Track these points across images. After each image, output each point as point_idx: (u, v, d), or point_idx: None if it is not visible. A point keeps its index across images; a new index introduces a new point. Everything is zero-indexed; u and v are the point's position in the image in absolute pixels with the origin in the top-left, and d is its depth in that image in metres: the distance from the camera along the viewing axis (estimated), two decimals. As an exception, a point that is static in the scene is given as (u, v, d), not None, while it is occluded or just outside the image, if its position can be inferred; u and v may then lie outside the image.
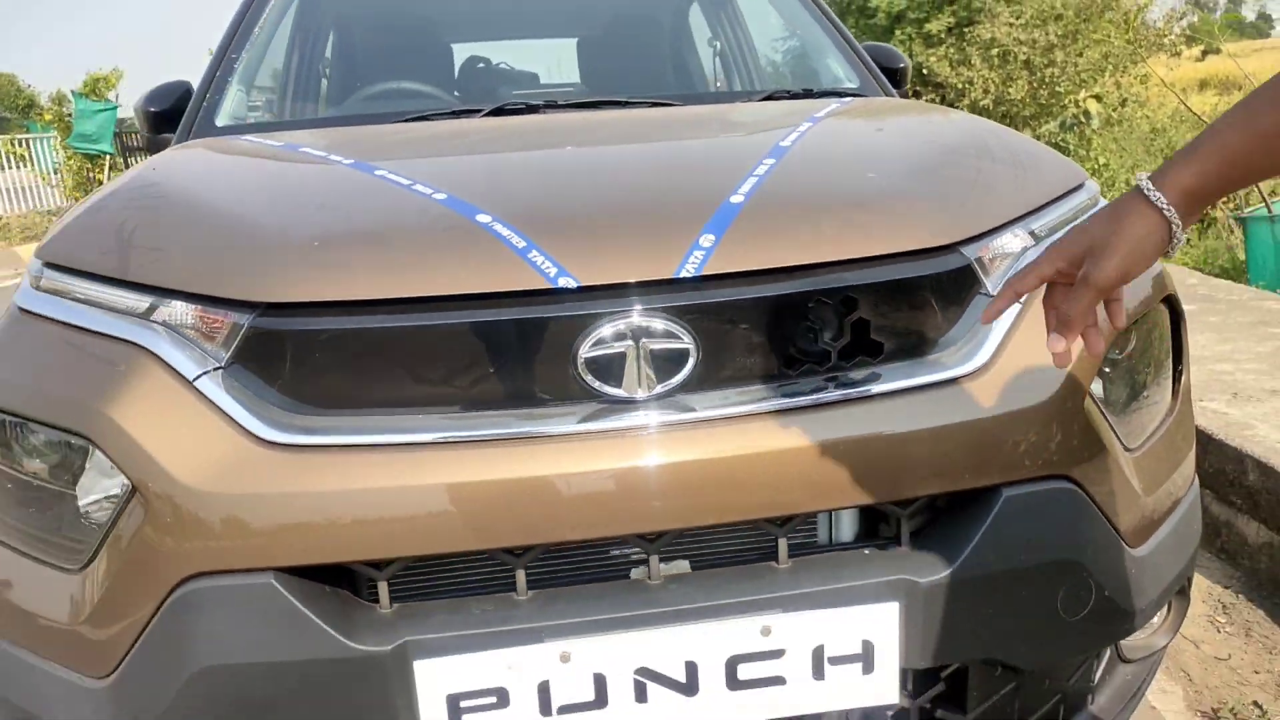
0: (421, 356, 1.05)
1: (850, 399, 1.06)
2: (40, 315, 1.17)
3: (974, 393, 1.08)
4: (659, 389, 1.04)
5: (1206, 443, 2.31)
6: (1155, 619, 1.34)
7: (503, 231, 1.09)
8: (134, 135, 13.57)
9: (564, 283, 1.03)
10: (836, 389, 1.07)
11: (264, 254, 1.10)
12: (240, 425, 1.02)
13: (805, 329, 1.09)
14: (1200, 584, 2.21)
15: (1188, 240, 6.76)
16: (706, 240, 1.07)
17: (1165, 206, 0.80)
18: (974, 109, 9.19)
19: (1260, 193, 6.24)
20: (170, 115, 2.06)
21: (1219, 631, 2.05)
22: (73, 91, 13.32)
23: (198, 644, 1.00)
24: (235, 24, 2.14)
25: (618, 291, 1.04)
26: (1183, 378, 1.34)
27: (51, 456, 1.10)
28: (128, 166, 15.67)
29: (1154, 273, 1.29)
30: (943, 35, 10.45)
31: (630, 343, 1.03)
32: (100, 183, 13.09)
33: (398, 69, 2.21)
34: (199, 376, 1.04)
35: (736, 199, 1.15)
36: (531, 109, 1.84)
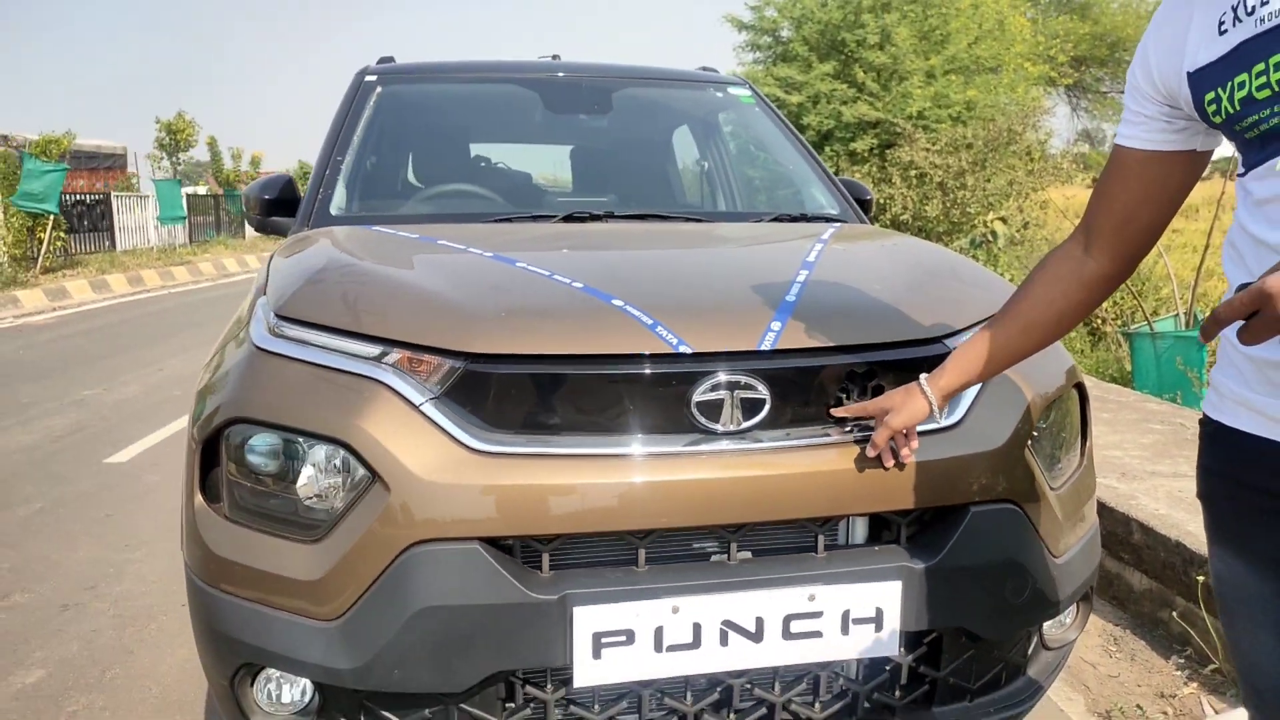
0: (582, 396, 1.50)
1: (869, 439, 1.55)
2: (285, 355, 1.58)
3: (953, 439, 1.57)
4: (745, 425, 1.50)
5: (1101, 510, 2.87)
6: (1068, 617, 1.83)
7: (634, 312, 1.56)
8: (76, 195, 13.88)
9: (683, 349, 1.50)
10: (860, 432, 1.55)
11: (468, 319, 1.54)
12: (453, 437, 1.44)
13: (841, 389, 1.58)
14: (1096, 623, 2.73)
15: (1082, 351, 7.61)
16: (775, 325, 1.56)
17: (931, 396, 1.45)
18: (894, 223, 10.11)
19: (1144, 312, 7.13)
20: (280, 202, 2.50)
21: (1111, 657, 2.57)
22: (21, 150, 13.36)
23: (420, 591, 1.40)
24: (336, 130, 2.60)
25: (720, 357, 1.51)
26: (1089, 441, 1.87)
27: (303, 459, 1.50)
28: (72, 227, 15.64)
29: (1067, 365, 1.82)
30: (867, 154, 11.46)
31: (726, 392, 1.50)
32: (42, 241, 13.05)
33: (467, 174, 2.70)
34: (423, 403, 1.47)
35: (790, 298, 1.65)
36: (595, 217, 2.33)
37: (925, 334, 1.62)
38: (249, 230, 20.08)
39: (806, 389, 1.56)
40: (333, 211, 2.39)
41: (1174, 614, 2.55)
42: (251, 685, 1.56)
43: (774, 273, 1.80)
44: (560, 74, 2.99)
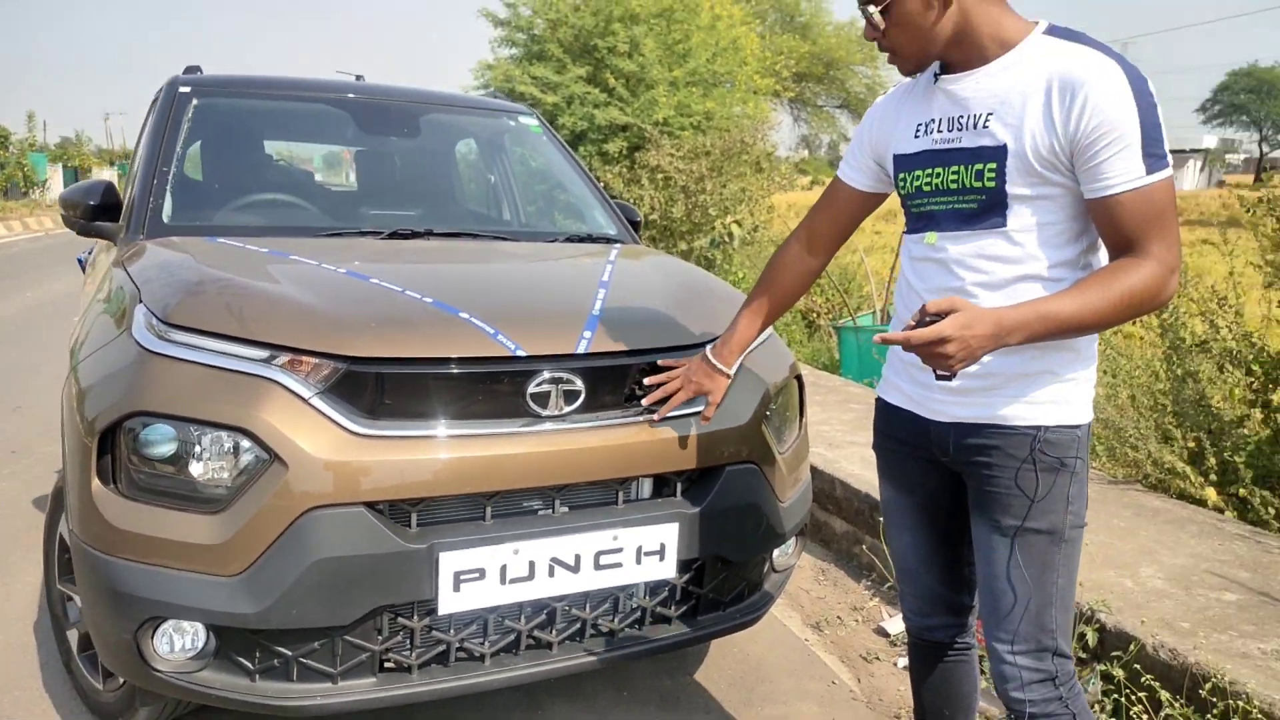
0: (441, 389, 1.91)
1: (655, 419, 2.08)
2: (175, 358, 1.85)
3: (713, 419, 2.15)
4: (565, 410, 1.99)
5: (813, 472, 3.63)
6: (790, 547, 2.48)
7: (479, 324, 1.99)
8: None
9: (519, 353, 1.95)
10: (647, 413, 2.08)
11: (346, 328, 1.90)
12: (338, 424, 1.81)
13: (634, 380, 2.11)
14: (808, 559, 3.49)
15: (801, 341, 8.75)
16: (587, 334, 2.05)
17: (725, 370, 2.03)
18: (645, 221, 10.92)
19: (849, 308, 8.35)
20: (103, 208, 2.65)
21: (819, 584, 3.32)
22: None
23: (316, 546, 1.76)
24: (157, 140, 2.77)
25: (546, 359, 1.98)
26: (805, 418, 2.53)
27: (200, 444, 1.80)
28: None
29: (790, 361, 2.46)
30: (618, 156, 12.20)
31: (551, 386, 1.97)
32: None
33: (290, 188, 2.95)
34: (311, 396, 1.82)
35: (595, 312, 2.15)
36: (416, 234, 2.71)
37: (695, 339, 2.18)
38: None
39: (610, 382, 2.07)
40: (165, 220, 2.58)
41: (864, 548, 3.34)
42: (152, 638, 1.83)
43: (580, 288, 2.29)
44: (370, 96, 3.29)
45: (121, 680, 2.16)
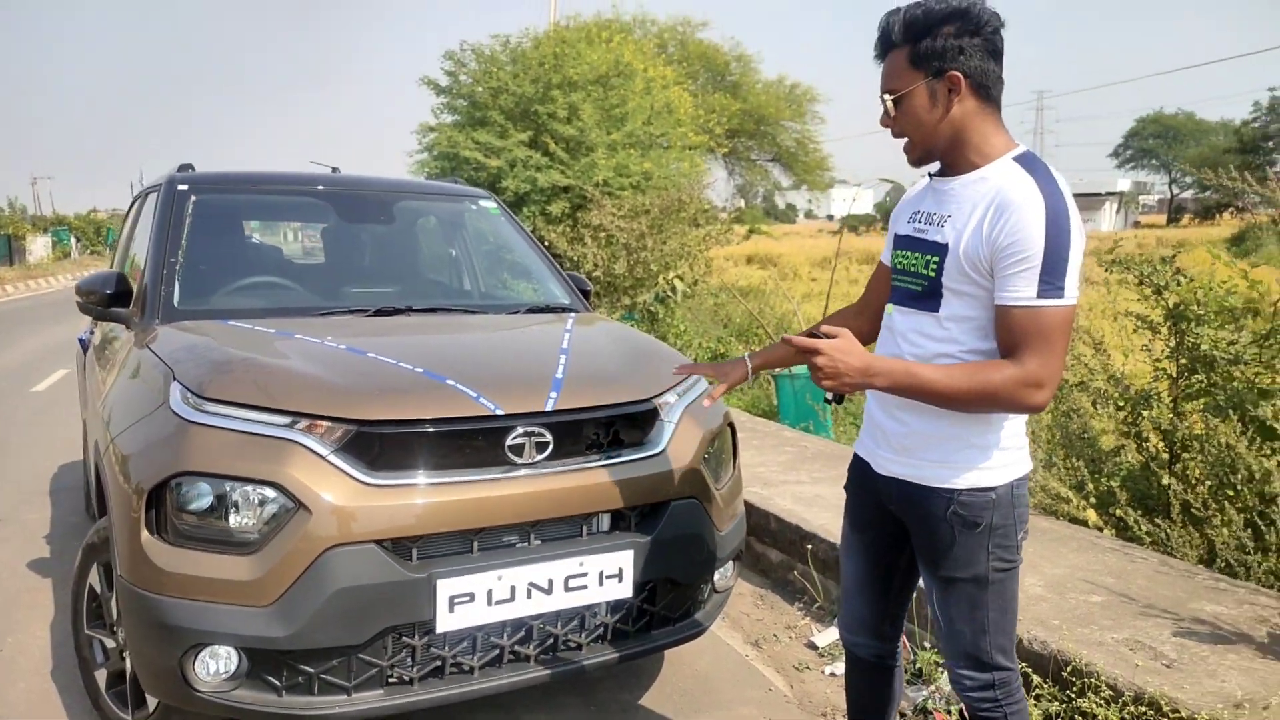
0: (435, 444, 2.30)
1: (612, 463, 2.50)
2: (211, 425, 2.23)
3: (660, 461, 2.57)
4: (537, 459, 2.40)
5: (750, 508, 4.06)
6: (729, 571, 2.89)
7: (463, 388, 2.40)
8: None
9: (498, 412, 2.36)
10: (605, 459, 2.50)
11: (354, 397, 2.29)
12: (351, 476, 2.20)
13: (594, 432, 2.53)
14: (747, 587, 3.91)
15: (742, 389, 9.30)
16: (553, 394, 2.47)
17: (749, 366, 2.20)
18: (590, 278, 11.39)
19: (784, 358, 8.87)
20: (117, 295, 3.02)
21: (758, 608, 3.74)
22: None
23: (336, 578, 2.13)
24: (163, 234, 3.15)
25: (520, 416, 2.39)
26: (737, 459, 2.97)
27: (236, 497, 2.16)
28: None
29: (724, 410, 2.91)
30: (561, 216, 12.72)
31: (525, 438, 2.38)
32: None
33: (282, 273, 3.35)
34: (328, 454, 2.20)
35: (559, 375, 2.57)
36: (398, 311, 3.12)
37: (644, 395, 2.62)
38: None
39: (574, 434, 2.49)
40: (177, 305, 2.96)
41: (796, 573, 3.77)
42: (194, 663, 2.17)
43: (544, 353, 2.73)
44: (347, 187, 3.71)
45: (151, 710, 2.48)
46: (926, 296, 1.80)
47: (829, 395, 1.78)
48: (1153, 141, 71.15)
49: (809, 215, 68.89)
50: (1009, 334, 1.68)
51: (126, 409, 2.52)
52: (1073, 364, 4.31)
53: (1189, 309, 3.69)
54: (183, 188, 3.36)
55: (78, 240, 42.86)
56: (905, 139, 1.82)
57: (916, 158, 1.84)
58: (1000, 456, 1.79)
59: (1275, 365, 3.60)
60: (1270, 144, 50.49)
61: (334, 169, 3.95)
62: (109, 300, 3.02)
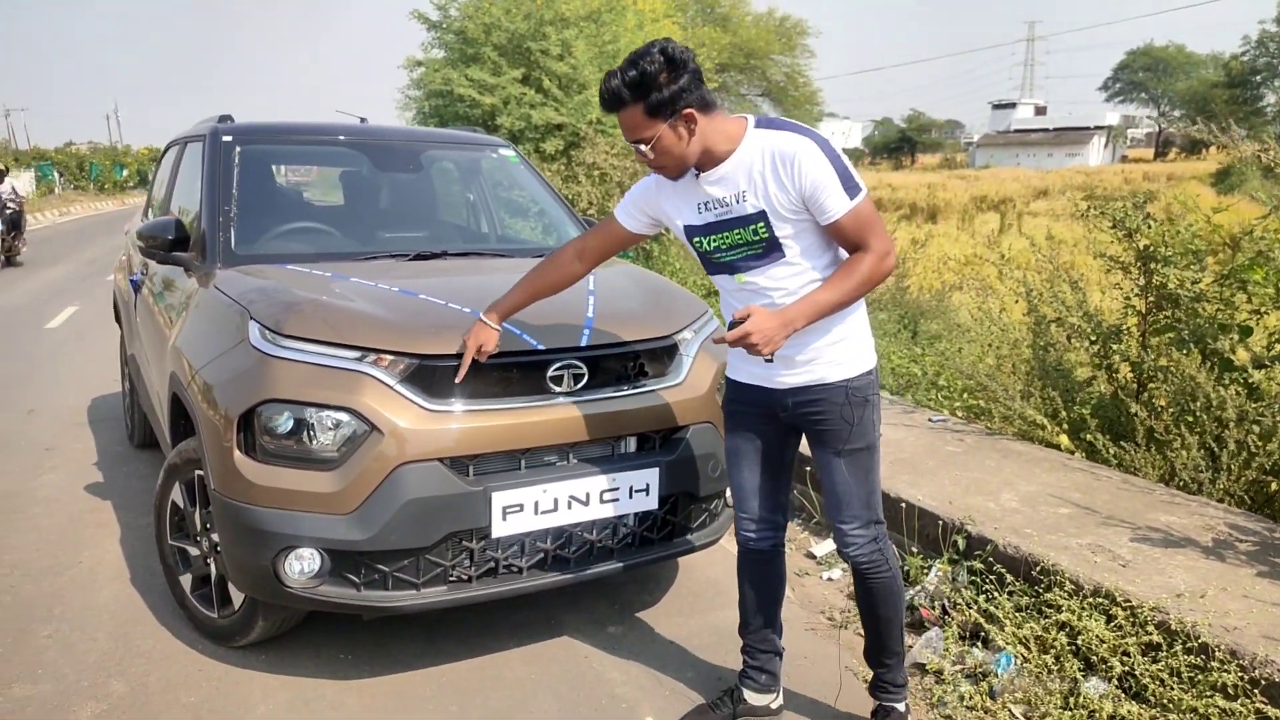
0: (487, 375, 2.62)
1: (640, 393, 2.82)
2: (289, 359, 2.53)
3: (681, 390, 2.90)
4: (575, 388, 2.71)
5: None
6: (738, 488, 3.24)
7: (508, 326, 2.70)
8: None
9: (540, 347, 2.67)
10: (632, 389, 2.82)
11: (415, 334, 2.60)
12: (416, 403, 2.51)
13: (622, 365, 2.84)
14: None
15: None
16: (586, 331, 2.78)
17: (489, 322, 2.67)
18: (583, 216, 11.58)
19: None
20: (178, 241, 3.29)
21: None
22: None
23: (406, 490, 2.46)
24: (214, 183, 3.40)
25: (559, 351, 2.70)
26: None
27: (315, 420, 2.48)
28: None
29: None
30: (555, 154, 12.84)
31: (564, 370, 2.70)
32: None
33: (328, 219, 3.62)
34: (395, 384, 2.51)
35: (590, 314, 2.88)
36: (435, 255, 3.40)
37: (666, 332, 2.93)
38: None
39: (605, 367, 2.81)
40: (236, 251, 3.23)
41: (795, 494, 4.14)
42: (285, 563, 2.51)
43: (574, 295, 3.00)
44: (378, 138, 3.96)
45: (237, 606, 2.83)
46: (770, 252, 2.20)
47: (768, 357, 2.17)
48: (1143, 75, 70.66)
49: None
50: (848, 236, 2.14)
51: (205, 344, 2.81)
52: (1050, 300, 4.65)
53: (1157, 250, 4.01)
54: (227, 139, 3.59)
55: (60, 175, 42.27)
56: (663, 168, 2.20)
57: (676, 174, 2.23)
58: (864, 344, 2.30)
59: (1234, 303, 3.95)
60: (1258, 78, 50.39)
61: (362, 119, 4.18)
62: (170, 245, 3.28)
